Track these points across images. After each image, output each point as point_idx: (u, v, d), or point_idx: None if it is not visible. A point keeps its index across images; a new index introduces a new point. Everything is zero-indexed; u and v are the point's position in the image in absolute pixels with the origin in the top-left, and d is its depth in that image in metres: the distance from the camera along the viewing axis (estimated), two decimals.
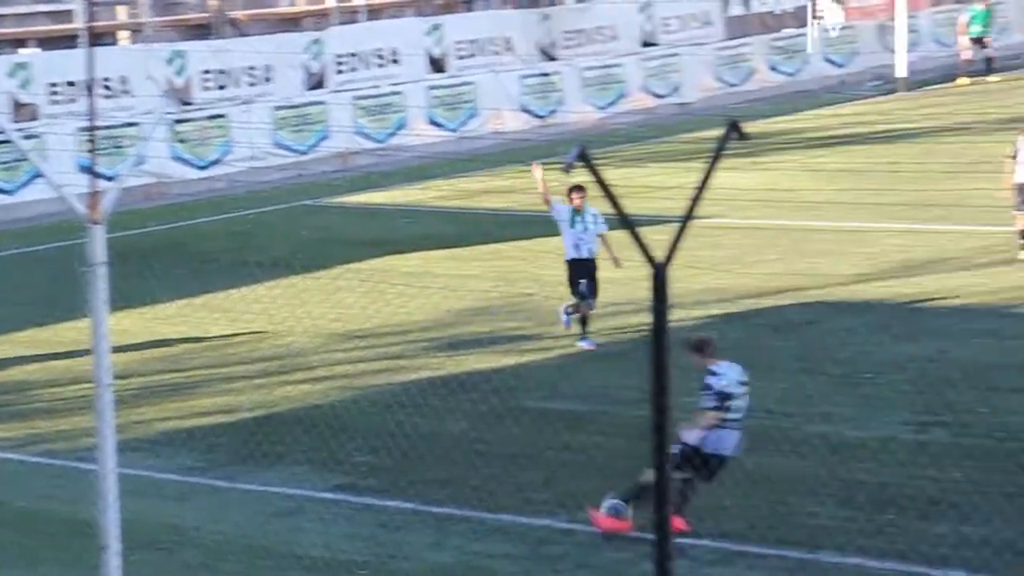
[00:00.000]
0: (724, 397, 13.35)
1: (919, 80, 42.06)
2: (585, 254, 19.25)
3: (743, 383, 13.44)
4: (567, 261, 19.46)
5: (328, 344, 19.93)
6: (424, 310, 21.16)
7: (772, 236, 24.96)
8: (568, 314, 19.40)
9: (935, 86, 42.11)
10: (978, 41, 42.33)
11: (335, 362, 19.20)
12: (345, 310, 21.17)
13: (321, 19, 38.18)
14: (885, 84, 42.20)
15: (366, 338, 20.13)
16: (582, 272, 19.24)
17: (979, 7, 42.45)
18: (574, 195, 19.11)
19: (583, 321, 19.27)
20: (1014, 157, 22.30)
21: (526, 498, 14.19)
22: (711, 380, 13.40)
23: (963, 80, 41.98)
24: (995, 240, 23.59)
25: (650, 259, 6.37)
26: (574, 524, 13.70)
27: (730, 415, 13.35)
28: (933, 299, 20.58)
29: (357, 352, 19.60)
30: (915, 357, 17.94)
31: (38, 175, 28.08)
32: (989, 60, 42.45)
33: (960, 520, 13.31)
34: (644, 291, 6.68)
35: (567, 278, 19.44)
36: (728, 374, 13.43)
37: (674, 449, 12.92)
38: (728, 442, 13.37)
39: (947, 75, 43.09)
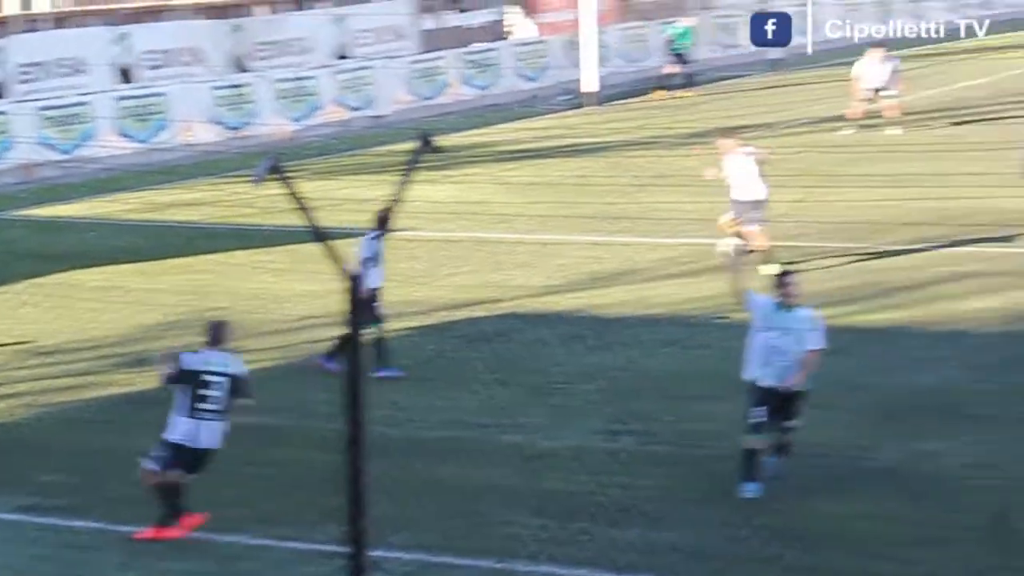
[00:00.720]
0: (200, 386, 13.35)
1: (608, 95, 42.97)
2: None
3: (219, 373, 13.46)
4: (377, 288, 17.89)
5: (11, 361, 19.31)
6: (113, 325, 20.69)
7: (466, 249, 25.15)
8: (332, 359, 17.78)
9: (625, 100, 43.08)
10: (680, 57, 43.62)
11: (19, 379, 18.61)
12: (30, 326, 20.57)
13: (1, 27, 37.05)
14: (574, 98, 42.99)
15: (52, 354, 19.57)
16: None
17: (682, 25, 43.79)
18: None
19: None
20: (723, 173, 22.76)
21: (219, 514, 13.94)
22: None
23: (660, 93, 43.07)
24: (680, 252, 24.21)
25: (345, 272, 6.34)
26: (267, 540, 13.55)
27: (206, 405, 13.40)
28: (622, 310, 21.01)
29: (42, 369, 19.04)
30: (605, 367, 18.27)
31: None
32: (690, 75, 43.84)
33: (649, 526, 13.58)
34: (339, 304, 6.63)
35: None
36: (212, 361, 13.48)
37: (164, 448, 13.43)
38: (206, 435, 13.46)
39: (636, 90, 44.14)
